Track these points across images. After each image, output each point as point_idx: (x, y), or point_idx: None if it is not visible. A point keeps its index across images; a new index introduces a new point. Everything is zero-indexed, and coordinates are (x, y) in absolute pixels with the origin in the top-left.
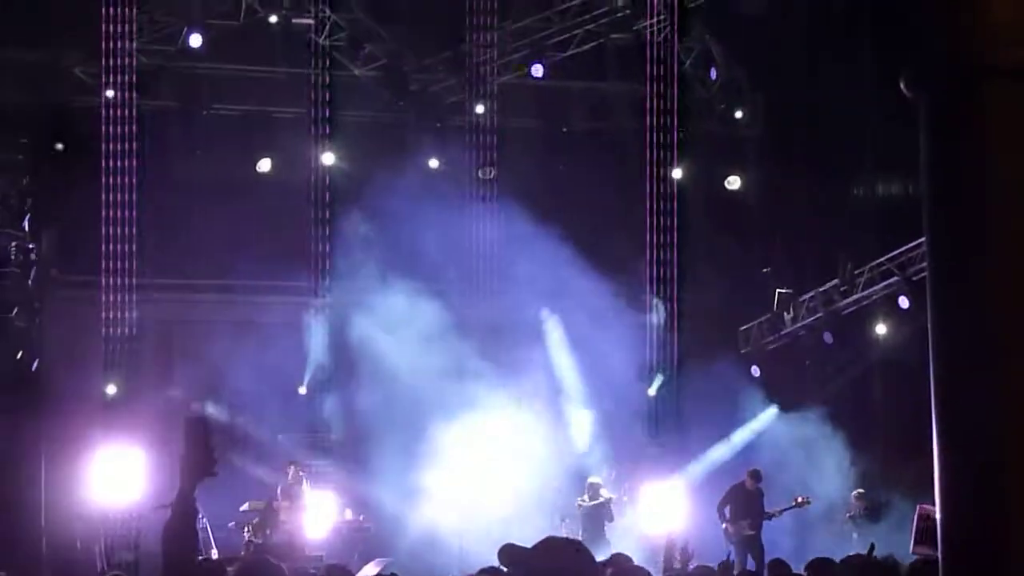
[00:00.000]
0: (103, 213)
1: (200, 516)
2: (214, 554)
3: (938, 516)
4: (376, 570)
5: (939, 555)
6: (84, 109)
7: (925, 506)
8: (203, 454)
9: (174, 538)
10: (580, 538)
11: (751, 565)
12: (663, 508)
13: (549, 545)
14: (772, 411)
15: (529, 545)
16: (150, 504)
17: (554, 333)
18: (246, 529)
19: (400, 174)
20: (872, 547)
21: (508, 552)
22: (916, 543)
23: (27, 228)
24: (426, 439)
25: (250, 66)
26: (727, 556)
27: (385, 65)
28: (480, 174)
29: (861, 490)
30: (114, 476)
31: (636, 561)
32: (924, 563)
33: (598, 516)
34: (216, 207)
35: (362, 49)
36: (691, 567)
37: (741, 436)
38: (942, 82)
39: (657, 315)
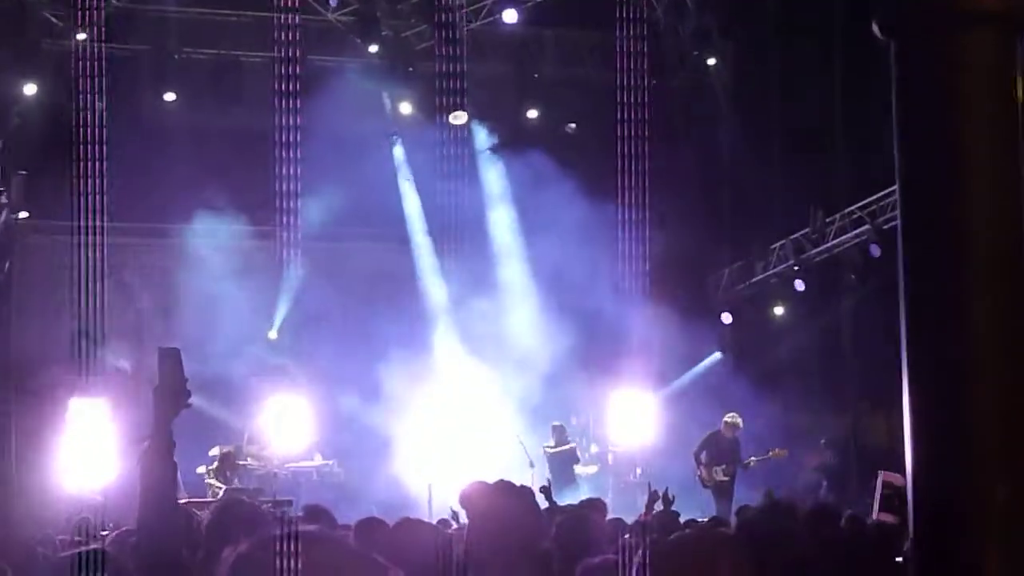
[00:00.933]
0: (72, 156)
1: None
2: (181, 497)
3: (908, 472)
4: None
5: (903, 520)
6: (54, 52)
7: (888, 474)
8: (178, 384)
9: (153, 470)
10: (549, 482)
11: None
12: (633, 419)
13: (500, 488)
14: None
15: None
16: (125, 440)
17: (518, 277)
18: (208, 473)
19: (370, 119)
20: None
21: (465, 496)
22: (879, 511)
23: None
24: (395, 384)
25: (220, 9)
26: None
27: (357, 10)
28: (451, 119)
29: (825, 439)
30: (86, 422)
31: (611, 500)
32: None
33: (567, 460)
34: (187, 151)
35: None
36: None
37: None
38: (913, 27)
39: (628, 262)
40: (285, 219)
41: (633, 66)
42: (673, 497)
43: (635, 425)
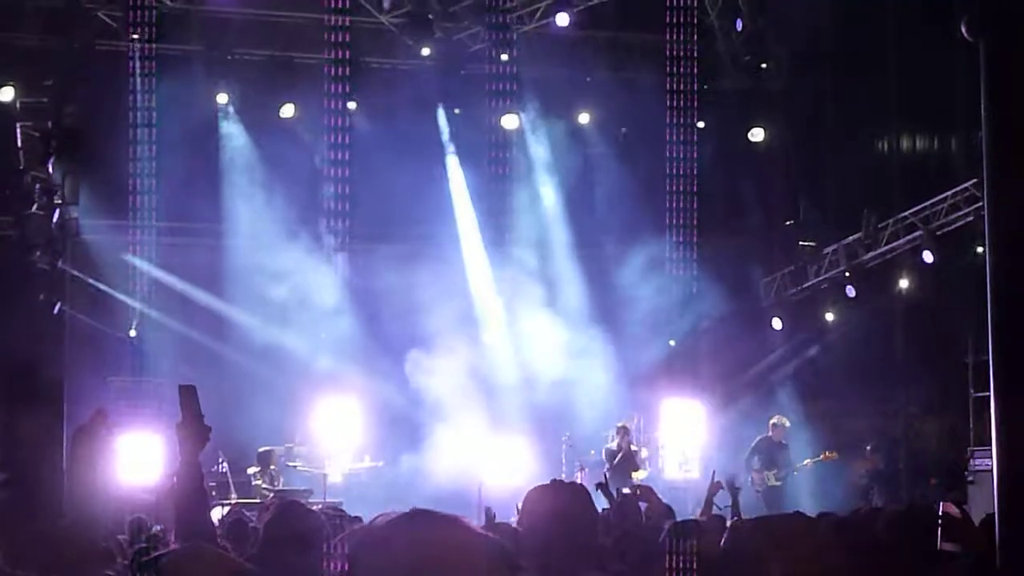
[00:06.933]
0: (129, 156)
1: (220, 460)
2: (233, 499)
3: (994, 462)
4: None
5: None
6: (108, 53)
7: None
8: (198, 421)
9: (186, 507)
10: (606, 477)
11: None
12: (684, 424)
13: (552, 488)
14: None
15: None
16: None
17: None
18: (255, 475)
19: (423, 122)
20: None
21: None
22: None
23: (51, 170)
24: (442, 383)
25: (274, 11)
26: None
27: (410, 12)
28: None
29: (873, 445)
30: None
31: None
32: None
33: (626, 462)
34: (241, 151)
35: None
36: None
37: None
38: (1005, 26)
39: (677, 266)
40: (332, 221)
41: (685, 69)
42: (739, 487)
43: (686, 432)
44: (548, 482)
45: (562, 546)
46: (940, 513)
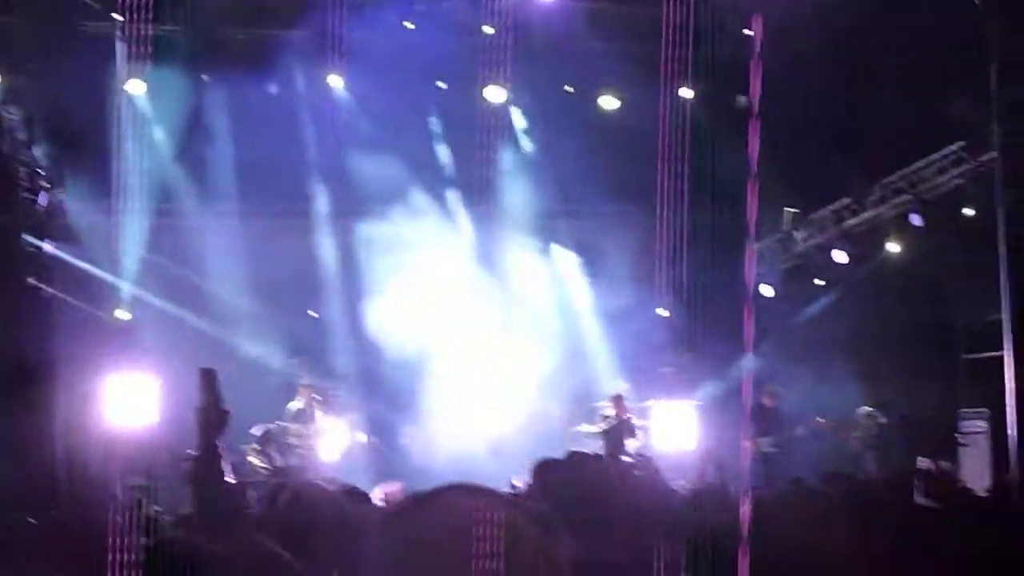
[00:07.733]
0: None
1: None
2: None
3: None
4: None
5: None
6: (92, 35)
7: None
8: (217, 407)
9: (205, 486)
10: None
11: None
12: (675, 427)
13: (576, 460)
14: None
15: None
16: (169, 449)
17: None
18: (250, 452)
19: (407, 96)
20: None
21: (541, 469)
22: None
23: (37, 153)
24: (432, 361)
25: None
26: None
27: None
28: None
29: (869, 408)
30: (126, 399)
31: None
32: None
33: (619, 433)
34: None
35: None
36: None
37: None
38: None
39: (666, 236)
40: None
41: (679, 38)
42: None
43: (677, 402)
44: (568, 455)
45: (593, 520)
46: (924, 470)
